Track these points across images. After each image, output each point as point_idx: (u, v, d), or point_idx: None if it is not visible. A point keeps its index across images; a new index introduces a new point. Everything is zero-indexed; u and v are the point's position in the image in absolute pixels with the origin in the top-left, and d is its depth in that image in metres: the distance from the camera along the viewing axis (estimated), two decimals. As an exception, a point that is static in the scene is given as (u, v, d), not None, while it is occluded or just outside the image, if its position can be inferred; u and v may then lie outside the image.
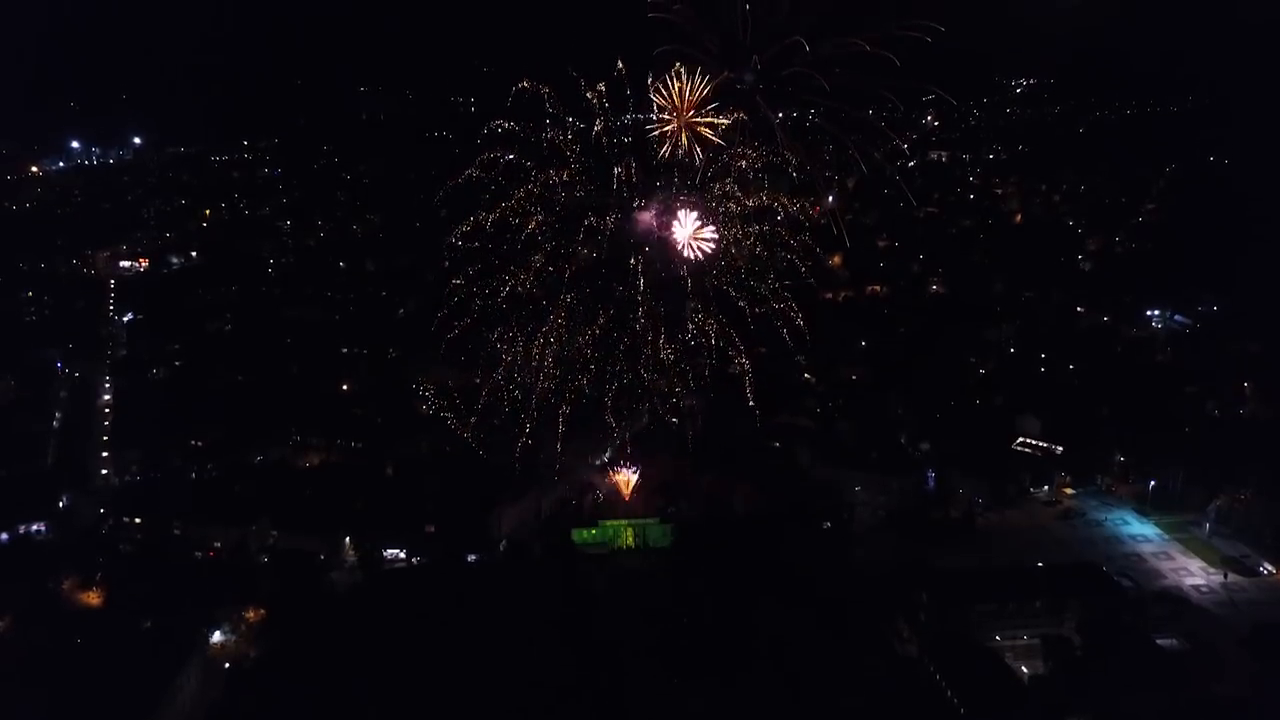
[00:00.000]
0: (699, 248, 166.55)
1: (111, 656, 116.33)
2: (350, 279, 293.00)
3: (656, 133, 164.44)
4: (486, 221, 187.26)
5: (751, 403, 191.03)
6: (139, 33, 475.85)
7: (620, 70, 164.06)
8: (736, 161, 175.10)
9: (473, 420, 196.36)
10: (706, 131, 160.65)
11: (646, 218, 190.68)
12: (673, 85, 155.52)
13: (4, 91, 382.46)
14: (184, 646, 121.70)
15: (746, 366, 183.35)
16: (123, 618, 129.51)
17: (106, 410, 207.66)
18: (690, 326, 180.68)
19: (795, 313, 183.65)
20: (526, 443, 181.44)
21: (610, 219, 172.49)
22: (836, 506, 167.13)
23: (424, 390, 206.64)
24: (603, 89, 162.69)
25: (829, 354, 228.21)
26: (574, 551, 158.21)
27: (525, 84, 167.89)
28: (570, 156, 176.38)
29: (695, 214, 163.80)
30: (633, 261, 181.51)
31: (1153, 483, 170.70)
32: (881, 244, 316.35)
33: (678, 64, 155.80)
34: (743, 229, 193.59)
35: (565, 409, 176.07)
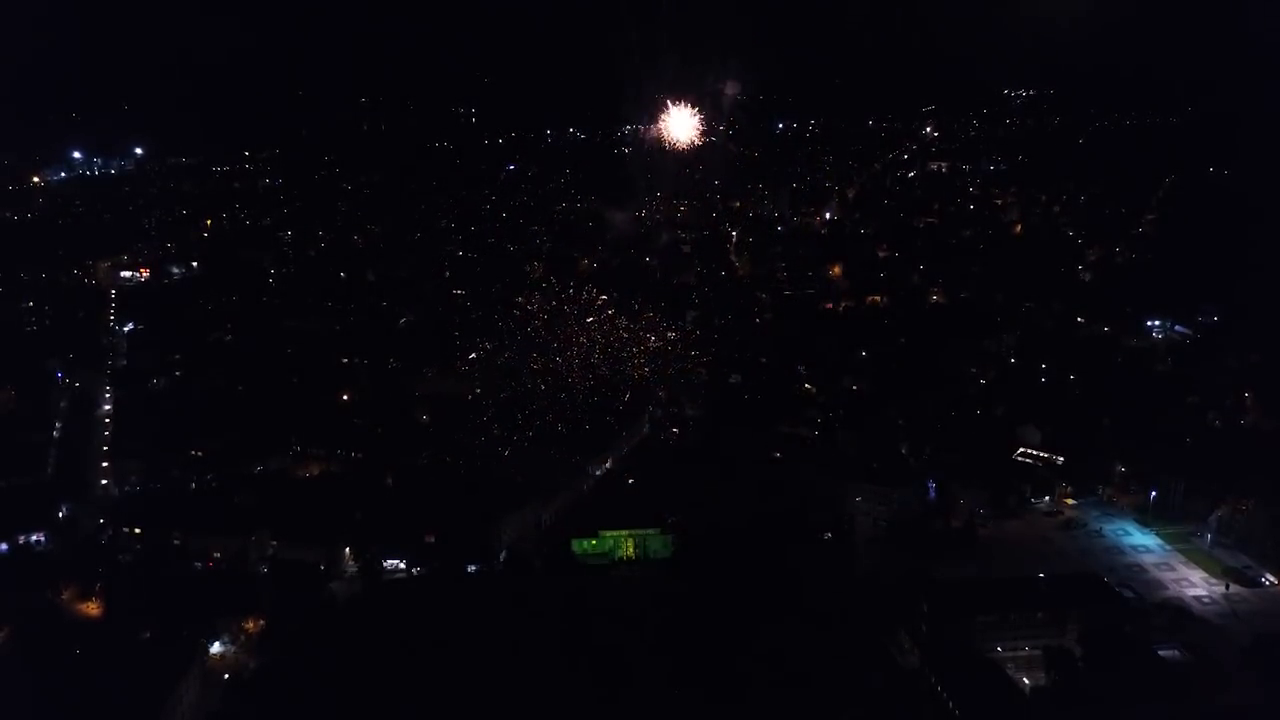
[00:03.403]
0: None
1: (111, 667, 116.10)
2: (351, 289, 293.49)
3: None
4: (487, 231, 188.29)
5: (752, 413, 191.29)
6: (140, 44, 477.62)
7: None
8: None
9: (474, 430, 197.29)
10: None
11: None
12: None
13: (6, 102, 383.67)
14: (183, 657, 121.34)
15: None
16: (122, 628, 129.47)
17: (106, 420, 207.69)
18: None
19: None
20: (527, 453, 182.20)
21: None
22: (837, 517, 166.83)
23: (424, 400, 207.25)
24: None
25: (830, 364, 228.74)
26: (574, 562, 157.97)
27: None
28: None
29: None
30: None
31: (1154, 493, 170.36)
32: (881, 254, 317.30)
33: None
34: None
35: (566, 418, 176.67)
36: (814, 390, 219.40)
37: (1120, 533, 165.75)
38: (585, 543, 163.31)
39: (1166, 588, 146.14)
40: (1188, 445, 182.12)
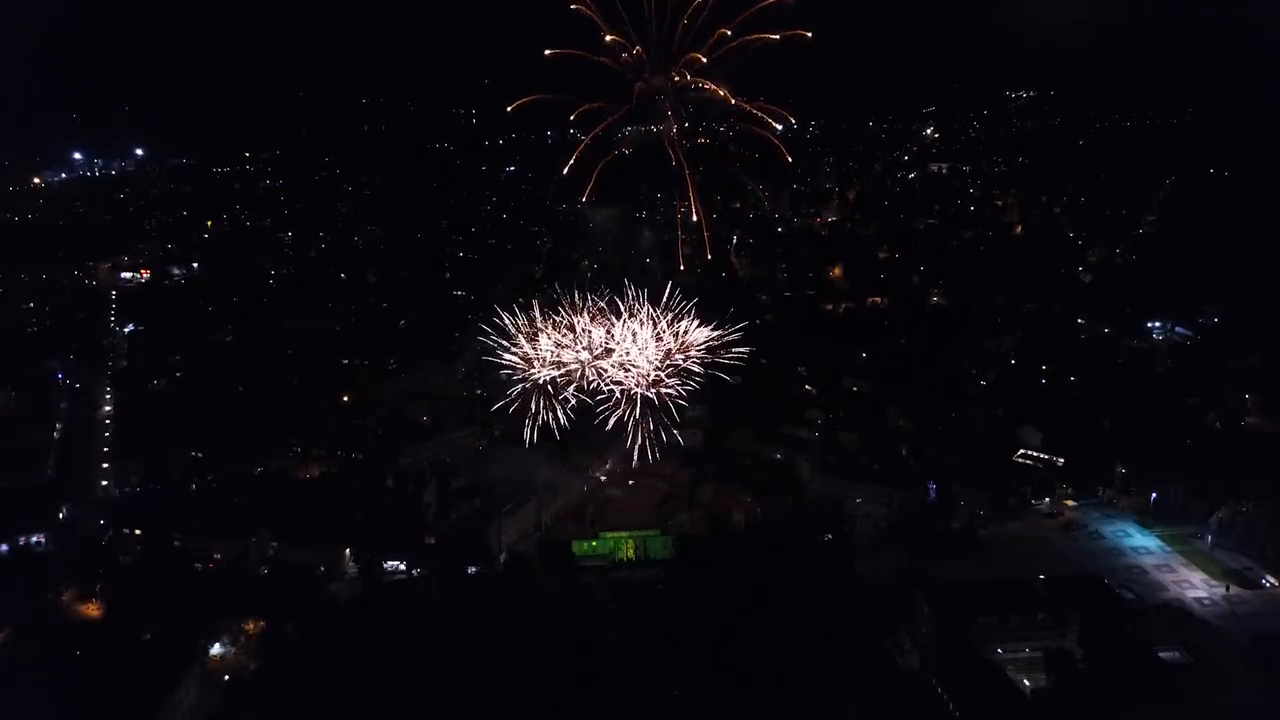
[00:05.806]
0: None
1: (111, 668, 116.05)
2: (351, 289, 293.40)
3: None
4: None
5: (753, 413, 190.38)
6: (140, 44, 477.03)
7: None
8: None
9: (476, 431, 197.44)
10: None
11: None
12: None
13: (5, 103, 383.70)
14: (183, 658, 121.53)
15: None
16: (122, 629, 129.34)
17: (107, 421, 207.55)
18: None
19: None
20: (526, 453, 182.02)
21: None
22: (837, 518, 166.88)
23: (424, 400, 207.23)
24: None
25: (830, 365, 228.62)
26: (574, 562, 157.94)
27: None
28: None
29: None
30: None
31: (1154, 495, 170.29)
32: (882, 255, 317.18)
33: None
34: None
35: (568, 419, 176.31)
36: (814, 391, 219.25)
37: (1121, 534, 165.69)
38: (585, 543, 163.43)
39: (1167, 589, 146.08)
40: (1188, 446, 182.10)
